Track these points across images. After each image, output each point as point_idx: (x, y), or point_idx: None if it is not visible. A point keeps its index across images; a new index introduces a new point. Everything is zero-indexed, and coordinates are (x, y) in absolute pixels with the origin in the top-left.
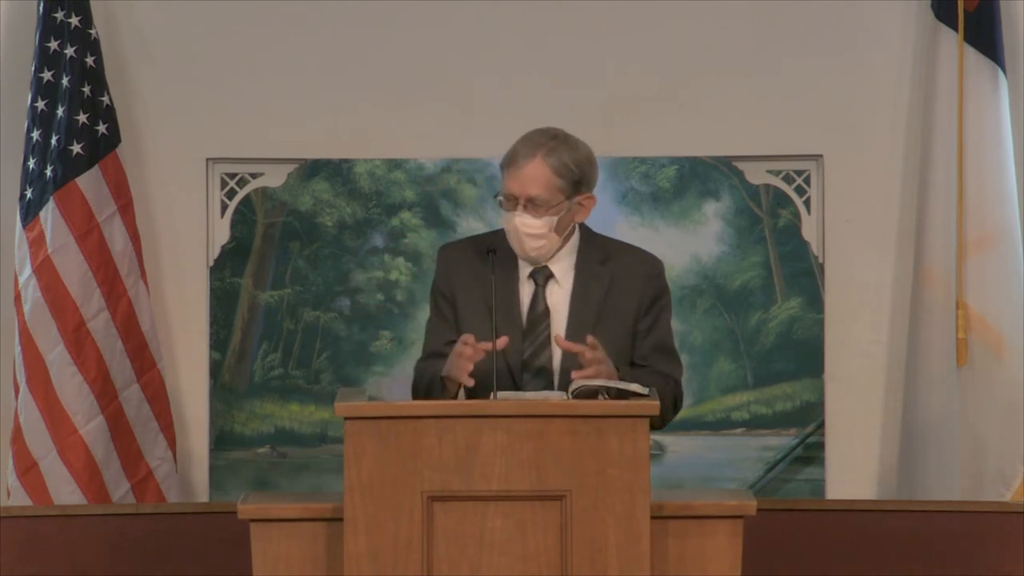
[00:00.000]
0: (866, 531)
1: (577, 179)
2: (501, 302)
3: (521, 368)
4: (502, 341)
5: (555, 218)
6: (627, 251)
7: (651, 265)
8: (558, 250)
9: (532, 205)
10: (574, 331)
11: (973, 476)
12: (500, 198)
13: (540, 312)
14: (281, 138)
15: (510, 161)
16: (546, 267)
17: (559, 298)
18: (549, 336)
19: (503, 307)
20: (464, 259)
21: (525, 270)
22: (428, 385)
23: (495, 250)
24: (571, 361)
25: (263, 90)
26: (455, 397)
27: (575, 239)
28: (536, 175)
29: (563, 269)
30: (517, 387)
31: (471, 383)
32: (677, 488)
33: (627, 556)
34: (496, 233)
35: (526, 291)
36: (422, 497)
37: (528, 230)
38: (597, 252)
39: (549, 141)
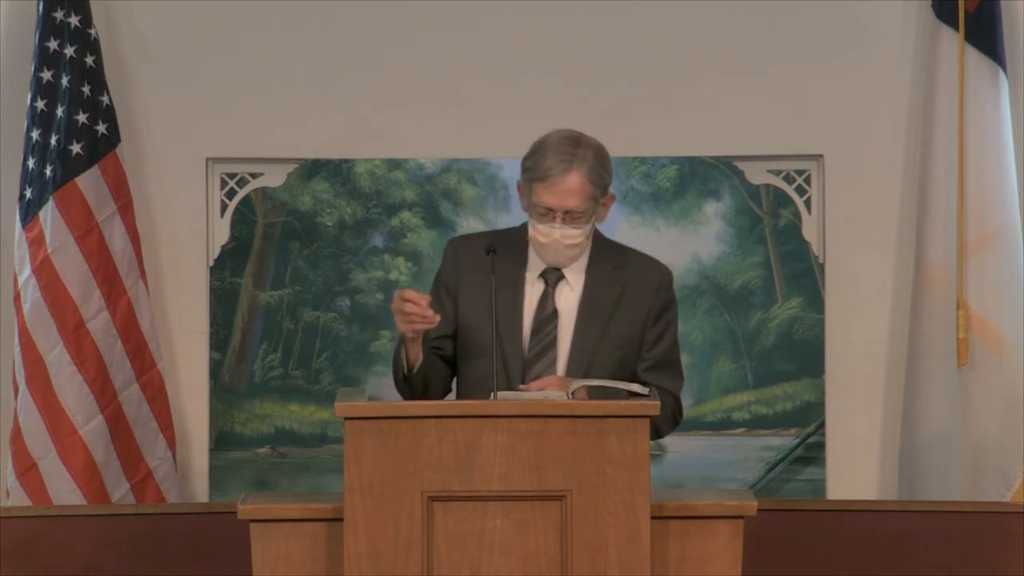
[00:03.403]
0: (866, 531)
1: (606, 183)
2: (506, 301)
3: (522, 369)
4: (436, 318)
5: (590, 225)
6: (640, 259)
7: (663, 275)
8: None
9: (570, 216)
10: (581, 334)
11: (973, 476)
12: (531, 206)
13: (548, 313)
14: (281, 138)
15: (543, 176)
16: (558, 268)
17: (569, 301)
18: (555, 338)
19: (507, 306)
20: (473, 255)
21: (535, 271)
22: (395, 358)
23: (495, 250)
24: (577, 364)
25: (263, 90)
26: (415, 359)
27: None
28: (574, 188)
29: (574, 271)
30: (513, 389)
31: (426, 327)
32: (677, 488)
33: (627, 556)
34: (508, 232)
35: (535, 291)
36: (422, 497)
37: (569, 241)
38: (610, 257)
39: (578, 149)
